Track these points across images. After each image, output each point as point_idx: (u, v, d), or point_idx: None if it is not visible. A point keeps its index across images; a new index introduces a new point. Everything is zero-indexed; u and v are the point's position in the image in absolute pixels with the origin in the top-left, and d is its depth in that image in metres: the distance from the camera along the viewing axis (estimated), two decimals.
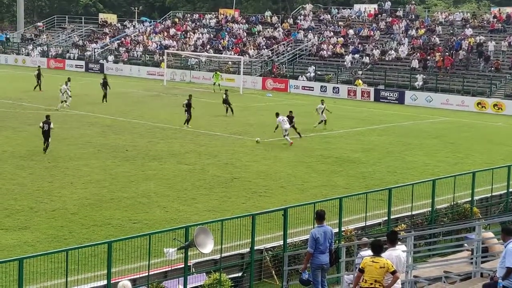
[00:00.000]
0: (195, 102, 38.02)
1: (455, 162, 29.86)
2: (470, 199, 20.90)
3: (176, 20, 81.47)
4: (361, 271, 11.04)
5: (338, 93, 56.06)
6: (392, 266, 10.99)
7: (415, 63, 57.66)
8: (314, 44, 66.09)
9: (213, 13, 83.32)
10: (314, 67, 61.34)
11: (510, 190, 22.34)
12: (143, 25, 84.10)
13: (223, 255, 15.12)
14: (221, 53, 67.98)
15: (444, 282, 14.40)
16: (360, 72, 59.00)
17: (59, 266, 13.54)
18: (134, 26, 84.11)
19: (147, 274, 13.72)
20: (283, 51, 66.92)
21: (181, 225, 16.18)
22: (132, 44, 77.35)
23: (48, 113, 30.78)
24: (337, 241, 15.90)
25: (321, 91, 57.28)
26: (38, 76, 51.55)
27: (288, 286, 15.48)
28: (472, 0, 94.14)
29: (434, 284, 14.26)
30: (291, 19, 73.36)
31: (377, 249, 11.15)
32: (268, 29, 71.88)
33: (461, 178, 21.45)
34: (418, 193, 20.08)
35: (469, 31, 60.19)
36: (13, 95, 47.73)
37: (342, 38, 65.57)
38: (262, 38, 70.12)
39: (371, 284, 10.92)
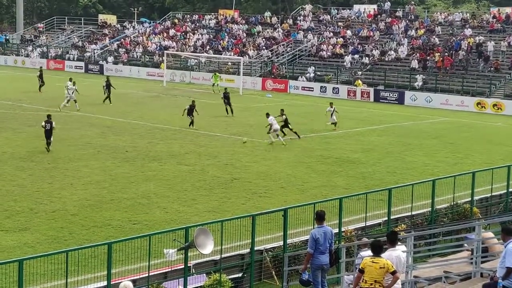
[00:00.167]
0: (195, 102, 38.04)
1: (455, 162, 29.87)
2: (470, 199, 20.92)
3: (176, 21, 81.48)
4: (361, 271, 11.04)
5: (337, 93, 56.07)
6: (392, 267, 11.00)
7: (414, 64, 57.68)
8: (314, 45, 66.12)
9: (212, 13, 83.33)
10: (313, 68, 61.35)
11: (510, 190, 22.36)
12: (143, 26, 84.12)
13: (223, 256, 15.12)
14: (221, 54, 67.98)
15: (444, 282, 14.41)
16: (359, 73, 59.02)
17: (59, 267, 13.55)
18: (133, 27, 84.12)
19: (147, 275, 13.73)
20: (283, 51, 66.94)
21: (181, 226, 16.17)
22: (132, 45, 77.36)
23: (49, 113, 30.90)
24: (337, 242, 15.91)
25: (320, 91, 57.32)
26: (41, 77, 51.85)
27: (288, 287, 15.49)
28: (471, 0, 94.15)
29: (434, 284, 14.27)
30: (291, 19, 73.37)
31: (377, 250, 11.15)
32: (268, 30, 71.91)
33: (461, 178, 21.45)
34: (418, 193, 20.09)
35: (468, 31, 60.23)
36: (12, 96, 47.73)
37: (341, 39, 65.60)
38: (262, 38, 70.14)
39: (371, 284, 10.92)
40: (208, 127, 36.97)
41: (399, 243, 12.60)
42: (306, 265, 13.72)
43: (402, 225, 18.85)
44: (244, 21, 76.30)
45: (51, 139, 28.96)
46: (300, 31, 69.00)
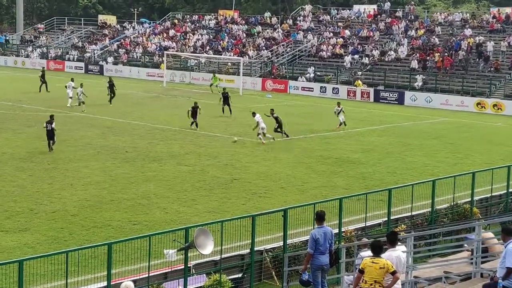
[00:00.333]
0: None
1: (455, 162, 29.87)
2: (470, 199, 20.92)
3: (176, 21, 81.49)
4: (361, 271, 11.04)
5: (337, 93, 56.07)
6: (392, 267, 10.99)
7: (414, 64, 57.68)
8: (314, 45, 66.12)
9: (212, 14, 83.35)
10: (313, 68, 61.35)
11: (510, 190, 22.36)
12: (143, 27, 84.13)
13: (223, 256, 15.12)
14: (221, 54, 67.99)
15: (444, 282, 14.41)
16: (359, 73, 59.02)
17: (59, 267, 13.55)
18: (133, 28, 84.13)
19: (147, 275, 13.73)
20: (283, 52, 66.94)
21: (181, 226, 16.19)
22: (132, 45, 77.36)
23: (52, 114, 30.91)
24: (337, 242, 15.90)
25: (320, 92, 57.33)
26: (43, 77, 52.00)
27: (288, 287, 15.49)
28: (471, 1, 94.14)
29: (434, 284, 14.27)
30: (291, 20, 73.37)
31: (377, 250, 11.14)
32: (268, 30, 71.91)
33: (461, 179, 21.46)
34: (418, 193, 20.09)
35: (468, 32, 60.22)
36: (12, 97, 47.75)
37: (341, 39, 65.61)
38: (262, 39, 70.14)
39: (371, 284, 10.92)
40: (208, 127, 36.97)
41: (399, 243, 12.60)
42: (306, 266, 13.72)
43: (402, 225, 18.85)
44: (244, 22, 76.31)
45: (55, 139, 29.07)
46: (300, 32, 69.00)
